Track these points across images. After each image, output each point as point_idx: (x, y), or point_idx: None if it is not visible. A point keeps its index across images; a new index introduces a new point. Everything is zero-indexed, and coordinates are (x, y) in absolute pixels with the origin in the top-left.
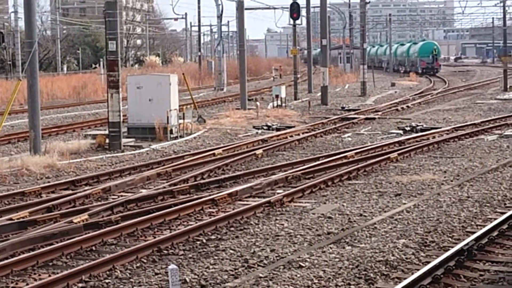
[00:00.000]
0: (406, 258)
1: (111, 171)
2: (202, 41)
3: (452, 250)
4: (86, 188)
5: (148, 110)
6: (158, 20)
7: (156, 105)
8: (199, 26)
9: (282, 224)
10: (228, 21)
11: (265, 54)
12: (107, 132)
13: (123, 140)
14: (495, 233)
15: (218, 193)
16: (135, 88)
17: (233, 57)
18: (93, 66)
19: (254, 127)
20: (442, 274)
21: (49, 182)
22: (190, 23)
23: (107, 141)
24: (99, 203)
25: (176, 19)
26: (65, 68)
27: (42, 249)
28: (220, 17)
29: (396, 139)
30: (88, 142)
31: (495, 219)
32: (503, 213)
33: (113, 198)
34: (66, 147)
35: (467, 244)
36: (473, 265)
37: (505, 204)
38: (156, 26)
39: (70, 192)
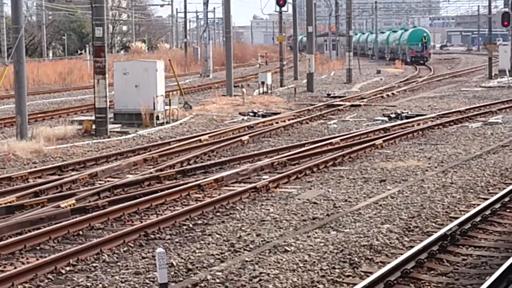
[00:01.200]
0: (390, 243)
1: (97, 156)
2: (188, 28)
3: (435, 235)
4: (73, 173)
5: (135, 96)
6: (144, 6)
7: (142, 91)
8: (185, 12)
9: (268, 209)
10: (214, 8)
11: (251, 41)
12: (93, 118)
13: (110, 126)
14: (478, 218)
15: (204, 178)
16: (121, 74)
17: (219, 44)
18: (79, 52)
19: (240, 113)
20: (426, 259)
21: (36, 167)
22: (176, 9)
23: (93, 126)
24: (86, 188)
25: (162, 5)
26: (50, 54)
27: (29, 233)
28: (206, 3)
29: (381, 126)
30: (75, 128)
31: (478, 205)
32: (486, 199)
33: (100, 183)
34: (52, 132)
35: (450, 229)
36: (456, 250)
37: (488, 190)
38: (142, 12)
39: (57, 177)
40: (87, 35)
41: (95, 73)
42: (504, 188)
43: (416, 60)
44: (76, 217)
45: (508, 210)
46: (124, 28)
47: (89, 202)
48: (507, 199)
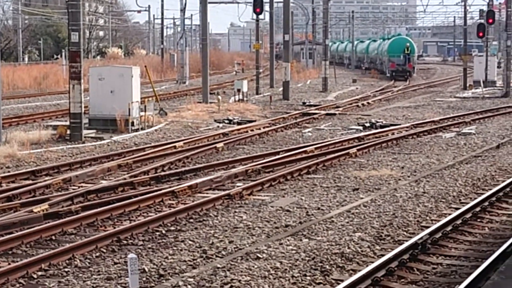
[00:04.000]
0: (362, 251)
1: (71, 161)
2: (165, 34)
3: (406, 244)
4: (47, 178)
5: (110, 101)
6: (121, 12)
7: (117, 97)
8: (162, 19)
9: (241, 217)
10: (192, 15)
11: (228, 48)
12: (68, 123)
13: (84, 131)
14: (449, 228)
15: (178, 185)
16: (97, 79)
17: (196, 51)
18: (55, 57)
19: (215, 120)
20: (396, 267)
21: (9, 171)
22: (153, 15)
23: (68, 132)
24: (59, 193)
25: (139, 11)
26: (26, 59)
27: (1, 238)
28: (183, 10)
29: (356, 135)
30: (49, 133)
31: (449, 214)
32: (457, 209)
33: (73, 189)
34: (26, 137)
35: (421, 238)
36: (427, 259)
37: (460, 200)
38: (119, 18)
39: (31, 182)
40: (63, 40)
41: (71, 78)
42: (475, 198)
43: (397, 75)
44: (49, 222)
45: (479, 220)
46: (101, 33)
47: (62, 207)
48: (478, 209)
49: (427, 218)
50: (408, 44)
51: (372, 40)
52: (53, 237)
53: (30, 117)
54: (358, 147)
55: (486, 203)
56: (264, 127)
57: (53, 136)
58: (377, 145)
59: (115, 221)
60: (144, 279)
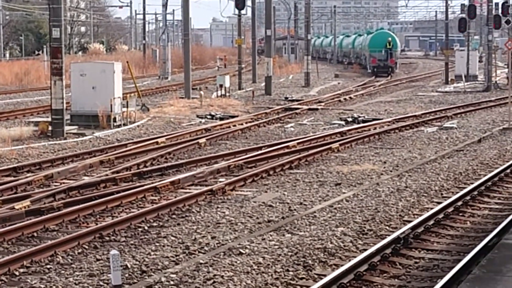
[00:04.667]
0: (344, 246)
1: (53, 158)
2: (147, 30)
3: (388, 238)
4: (28, 174)
5: (92, 97)
6: (103, 7)
7: (99, 93)
8: (144, 14)
9: (224, 212)
10: (174, 10)
11: (210, 43)
12: (50, 119)
13: (66, 128)
14: (431, 222)
15: (160, 181)
16: (78, 75)
17: (178, 46)
18: (36, 52)
19: (197, 116)
20: (379, 261)
21: None
22: (135, 11)
23: (49, 128)
24: (41, 189)
25: (121, 7)
26: (7, 55)
27: None
28: (165, 5)
29: (338, 130)
30: (31, 129)
31: (431, 208)
32: (439, 203)
33: (55, 185)
34: (8, 133)
35: (404, 232)
36: (409, 253)
37: (441, 194)
38: (101, 13)
39: (12, 178)
40: (45, 35)
41: (52, 74)
42: (457, 192)
43: (379, 71)
44: (30, 219)
45: (461, 214)
46: (82, 29)
47: (44, 203)
48: (460, 203)
49: (409, 212)
50: (390, 38)
51: (358, 35)
52: (35, 234)
53: (11, 114)
54: (341, 142)
55: (468, 197)
56: (246, 122)
57: (35, 132)
58: (359, 140)
59: (97, 218)
60: (126, 275)
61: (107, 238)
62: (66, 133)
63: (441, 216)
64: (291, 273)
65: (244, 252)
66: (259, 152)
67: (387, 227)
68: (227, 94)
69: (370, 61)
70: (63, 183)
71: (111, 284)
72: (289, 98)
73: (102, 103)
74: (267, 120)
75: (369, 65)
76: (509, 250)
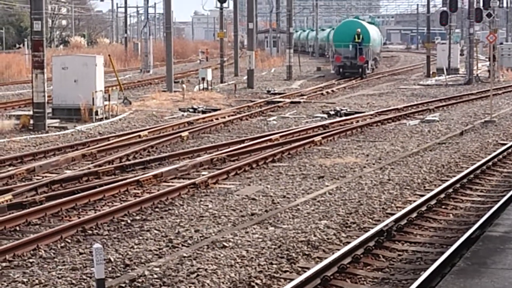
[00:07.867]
0: (328, 239)
1: (35, 151)
2: (128, 23)
3: (372, 231)
4: (10, 168)
5: (74, 91)
6: (84, 0)
7: (81, 86)
8: (125, 7)
9: (207, 205)
10: (155, 3)
11: (192, 36)
12: (31, 112)
13: (48, 121)
14: (414, 214)
15: (143, 174)
16: (60, 68)
17: (160, 39)
18: (17, 46)
19: (180, 109)
20: (362, 254)
21: None
22: (117, 4)
23: (31, 121)
24: (23, 183)
25: (102, 0)
26: None
27: None
28: None
29: (321, 123)
30: (12, 123)
31: (414, 201)
32: (422, 196)
33: (37, 179)
34: None
35: (387, 225)
36: (392, 246)
37: (424, 187)
38: (82, 6)
39: None
40: (26, 29)
41: (34, 67)
42: (440, 185)
43: (346, 72)
44: (12, 213)
45: (443, 207)
46: (64, 22)
47: (26, 197)
48: (442, 195)
49: (392, 205)
50: (359, 29)
51: (332, 28)
52: (17, 228)
53: None
54: (323, 135)
55: (451, 190)
56: (229, 116)
57: (16, 126)
58: (341, 133)
59: (80, 211)
60: (109, 269)
61: (90, 232)
62: (48, 127)
63: (424, 208)
64: (274, 266)
65: (227, 245)
66: (242, 145)
67: (370, 220)
68: (210, 87)
69: (333, 59)
70: (45, 176)
71: (94, 278)
72: (272, 91)
73: (84, 97)
74: (249, 113)
75: (333, 64)
76: (493, 242)
